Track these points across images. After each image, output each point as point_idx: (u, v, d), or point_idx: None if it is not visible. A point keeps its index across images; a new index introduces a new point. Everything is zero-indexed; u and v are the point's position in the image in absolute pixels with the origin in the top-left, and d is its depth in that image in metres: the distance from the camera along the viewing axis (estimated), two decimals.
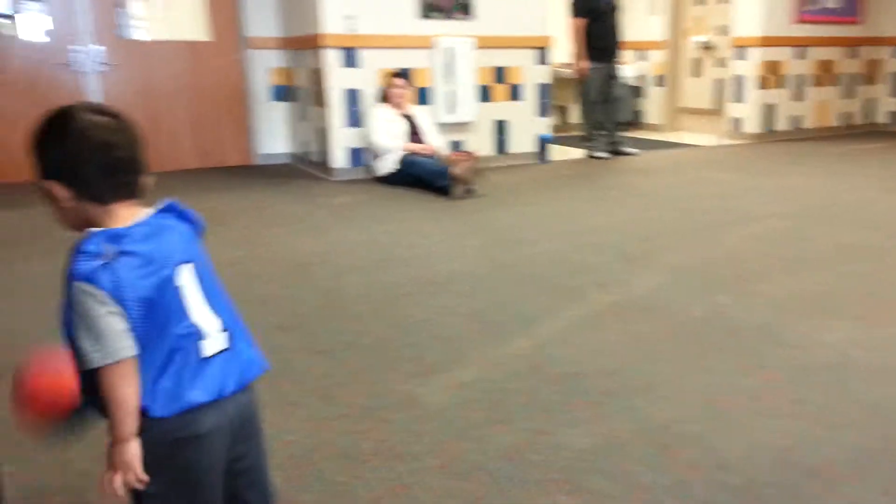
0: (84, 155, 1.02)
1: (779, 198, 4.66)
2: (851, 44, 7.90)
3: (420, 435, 1.81)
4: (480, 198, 4.64)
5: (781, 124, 7.57)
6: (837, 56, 7.82)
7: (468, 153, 4.88)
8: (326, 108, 5.28)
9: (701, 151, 6.94)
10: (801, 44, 7.47)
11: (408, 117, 5.19)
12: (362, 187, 5.06)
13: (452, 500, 1.55)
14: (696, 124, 8.50)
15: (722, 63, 8.03)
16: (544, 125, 6.14)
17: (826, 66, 7.75)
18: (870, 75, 8.17)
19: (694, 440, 1.77)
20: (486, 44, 5.67)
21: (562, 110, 8.26)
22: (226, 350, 1.10)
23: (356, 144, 5.38)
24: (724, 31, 8.01)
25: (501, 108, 5.93)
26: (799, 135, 7.67)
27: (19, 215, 4.32)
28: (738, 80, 7.48)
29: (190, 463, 1.07)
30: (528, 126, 6.06)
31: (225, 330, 1.10)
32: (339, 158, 5.37)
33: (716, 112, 8.07)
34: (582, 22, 6.20)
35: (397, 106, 5.14)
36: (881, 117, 8.32)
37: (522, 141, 6.06)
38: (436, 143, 5.22)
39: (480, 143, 5.76)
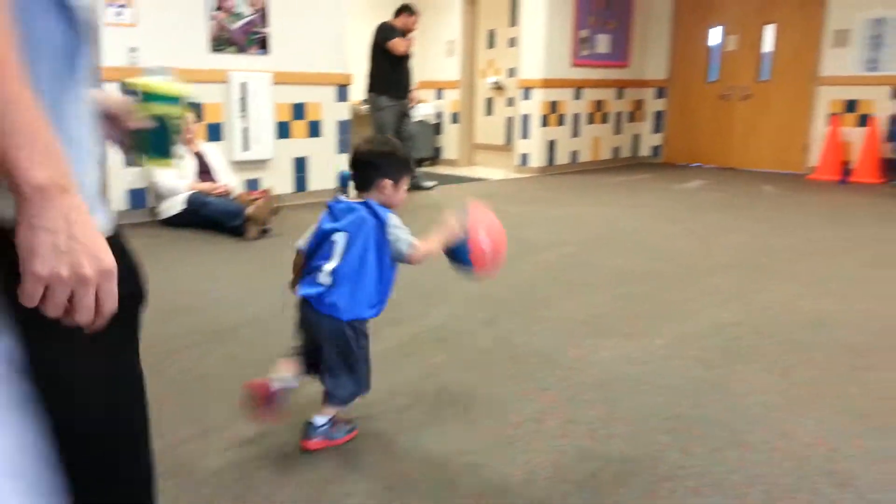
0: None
1: (564, 226, 5.02)
2: (620, 85, 8.83)
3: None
4: (277, 237, 4.51)
5: (562, 158, 8.24)
6: (608, 96, 8.70)
7: (264, 191, 4.73)
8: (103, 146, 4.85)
9: (493, 185, 7.34)
10: (577, 85, 8.21)
11: (197, 155, 4.93)
12: (145, 232, 4.69)
13: None
14: (489, 159, 8.99)
15: (511, 102, 8.59)
16: (344, 162, 6.14)
17: (599, 106, 8.59)
18: (635, 113, 9.18)
19: (478, 470, 1.80)
20: (284, 79, 5.57)
21: None
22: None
23: (137, 185, 4.99)
24: (513, 73, 8.59)
25: (301, 145, 5.85)
26: (577, 168, 8.39)
27: None
28: (525, 119, 8.04)
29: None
30: (328, 163, 6.03)
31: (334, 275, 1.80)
32: (117, 200, 4.95)
33: (506, 148, 8.60)
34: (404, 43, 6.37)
35: (185, 143, 4.86)
36: (645, 151, 9.36)
37: (323, 178, 6.01)
38: (228, 181, 5.00)
39: (278, 181, 5.62)
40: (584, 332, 2.83)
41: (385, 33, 6.41)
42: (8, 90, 0.65)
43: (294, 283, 1.91)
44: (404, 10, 6.60)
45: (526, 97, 8.00)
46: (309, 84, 5.81)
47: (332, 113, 5.99)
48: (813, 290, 3.41)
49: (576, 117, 8.29)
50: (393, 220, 1.82)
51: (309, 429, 1.88)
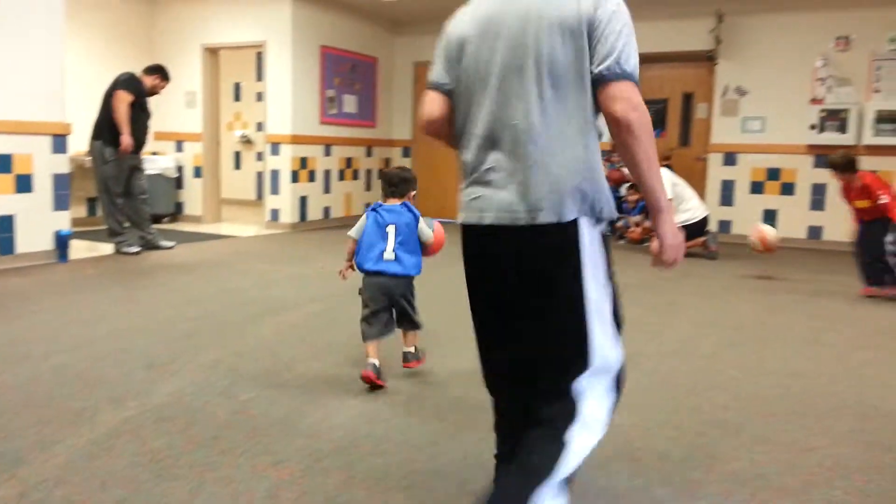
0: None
1: (314, 283, 4.96)
2: (369, 144, 9.12)
3: None
4: None
5: (313, 214, 8.23)
6: (358, 154, 8.93)
7: None
8: None
9: (242, 242, 7.07)
10: (326, 142, 8.31)
11: None
12: None
13: None
14: (238, 215, 8.69)
15: (261, 157, 8.43)
16: (63, 220, 5.49)
17: (349, 163, 8.77)
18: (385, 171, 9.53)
19: None
20: None
21: (91, 202, 7.56)
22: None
23: None
24: (261, 127, 8.45)
25: (3, 202, 5.11)
26: (329, 223, 8.45)
27: None
28: (274, 174, 7.92)
29: None
30: (41, 221, 5.34)
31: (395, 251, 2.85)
32: None
33: (257, 203, 8.37)
34: (130, 97, 5.84)
35: None
36: None
37: (35, 239, 5.30)
38: None
39: None
40: (328, 392, 2.78)
41: (125, 85, 5.91)
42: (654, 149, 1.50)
43: (350, 261, 3.03)
44: (159, 71, 6.17)
45: (275, 152, 7.90)
46: (16, 133, 5.14)
47: (47, 165, 5.35)
48: None
49: (326, 173, 8.36)
50: (422, 218, 2.96)
51: (409, 356, 3.00)
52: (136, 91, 5.97)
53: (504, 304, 1.62)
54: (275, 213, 7.97)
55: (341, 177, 8.64)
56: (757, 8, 7.39)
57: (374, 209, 2.91)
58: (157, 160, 7.97)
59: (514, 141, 1.53)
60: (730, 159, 7.74)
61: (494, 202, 1.55)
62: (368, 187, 9.21)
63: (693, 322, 4.12)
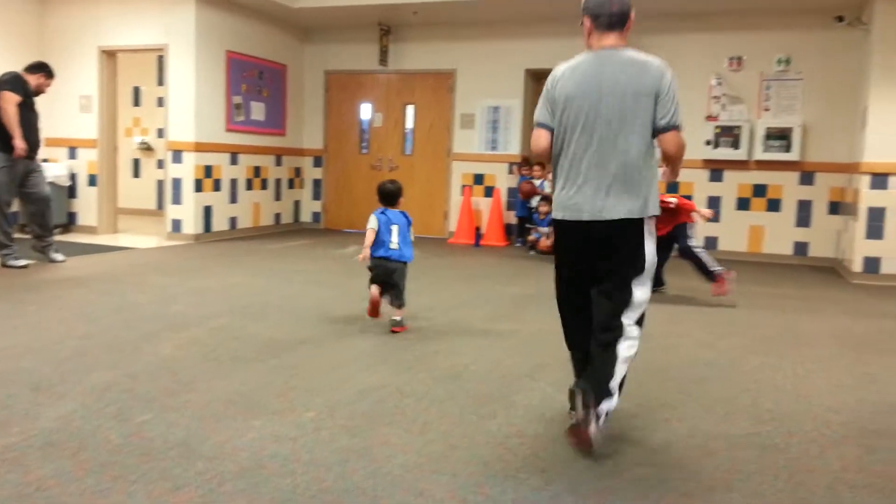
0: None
1: (218, 298, 4.77)
2: (278, 153, 8.91)
3: None
4: None
5: (219, 225, 7.95)
6: (267, 163, 8.70)
7: None
8: None
9: (141, 254, 6.74)
10: (233, 150, 8.06)
11: None
12: None
13: None
14: (137, 225, 8.28)
15: (161, 165, 8.07)
16: None
17: (257, 172, 8.53)
18: (295, 181, 9.33)
19: None
20: None
21: None
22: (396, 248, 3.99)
23: None
24: (162, 133, 8.09)
25: None
26: (236, 234, 8.18)
27: None
28: (176, 183, 7.59)
29: None
30: None
31: (398, 243, 3.99)
32: None
33: (157, 213, 8.01)
34: (17, 98, 5.45)
35: None
36: (306, 217, 9.55)
37: None
38: None
39: None
40: (232, 413, 2.66)
41: (11, 85, 5.52)
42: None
43: (367, 248, 3.96)
44: (42, 69, 5.80)
45: (177, 160, 7.58)
46: None
47: None
48: (450, 346, 3.71)
49: (233, 182, 8.10)
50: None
51: (395, 323, 3.97)
52: (23, 91, 5.60)
53: (589, 263, 2.53)
54: (176, 224, 7.64)
55: (249, 186, 8.39)
56: (656, 28, 7.74)
57: (382, 212, 4.00)
58: (48, 167, 7.48)
59: (605, 165, 2.42)
60: None
61: (592, 205, 2.44)
62: (278, 197, 8.99)
63: None
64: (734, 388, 3.19)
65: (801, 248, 7.46)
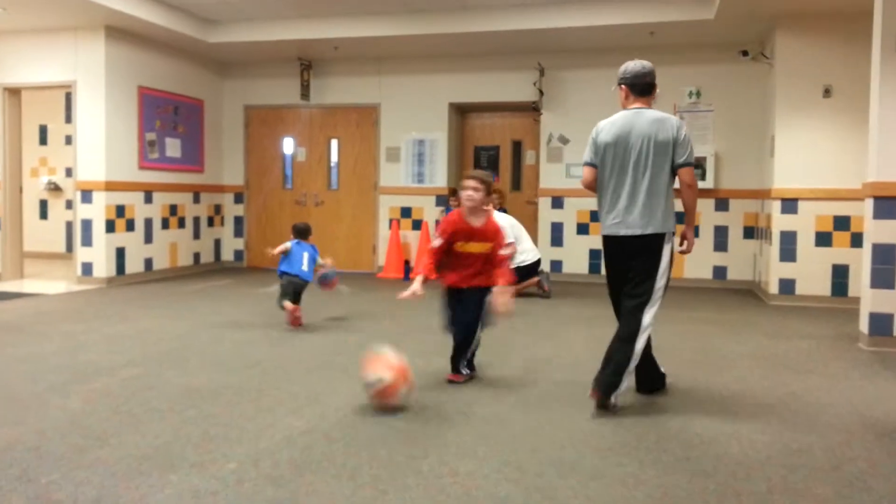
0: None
1: (132, 345, 4.51)
2: (196, 190, 8.63)
3: None
4: None
5: (133, 266, 7.60)
6: (184, 200, 8.41)
7: None
8: None
9: (48, 300, 6.35)
10: (147, 189, 7.75)
11: None
12: None
13: None
14: (44, 270, 7.81)
15: (70, 205, 7.68)
16: None
17: (174, 210, 8.23)
18: (215, 218, 9.05)
19: None
20: None
21: None
22: None
23: None
24: (71, 173, 7.72)
25: None
26: (151, 276, 7.84)
27: None
28: (86, 224, 7.23)
29: None
30: None
31: (307, 267, 5.27)
32: None
33: (66, 256, 7.59)
34: None
35: None
36: (228, 255, 9.26)
37: None
38: None
39: None
40: (147, 468, 2.48)
41: None
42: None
43: (280, 252, 5.20)
44: None
45: (86, 200, 7.22)
46: None
47: None
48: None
49: (148, 222, 7.78)
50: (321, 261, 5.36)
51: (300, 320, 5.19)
52: None
53: (627, 265, 3.32)
54: (87, 267, 7.25)
55: (165, 225, 8.07)
56: (572, 63, 7.97)
57: (297, 243, 5.15)
58: None
59: (636, 195, 3.26)
60: (557, 202, 8.19)
61: (627, 224, 3.27)
62: (197, 235, 8.69)
63: (526, 359, 4.22)
64: (664, 413, 3.21)
65: (720, 272, 7.74)
